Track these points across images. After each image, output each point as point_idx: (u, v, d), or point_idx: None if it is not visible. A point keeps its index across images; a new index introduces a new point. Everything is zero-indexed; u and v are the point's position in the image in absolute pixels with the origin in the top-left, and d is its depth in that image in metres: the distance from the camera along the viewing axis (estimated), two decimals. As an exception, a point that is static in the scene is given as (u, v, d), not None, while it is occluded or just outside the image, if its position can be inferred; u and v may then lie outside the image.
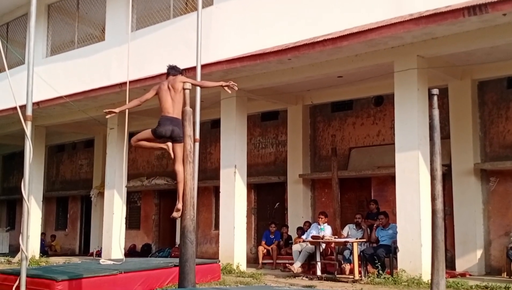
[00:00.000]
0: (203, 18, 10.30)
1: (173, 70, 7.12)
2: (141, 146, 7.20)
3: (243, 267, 11.88)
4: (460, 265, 11.12)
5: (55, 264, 12.47)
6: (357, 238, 10.92)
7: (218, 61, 11.33)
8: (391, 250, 10.25)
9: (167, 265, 9.46)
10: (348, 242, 10.81)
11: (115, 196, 14.68)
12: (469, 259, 11.09)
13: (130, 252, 17.36)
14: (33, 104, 7.26)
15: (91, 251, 18.17)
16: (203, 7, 10.36)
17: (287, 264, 11.75)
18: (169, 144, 6.86)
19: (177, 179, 6.83)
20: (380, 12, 9.64)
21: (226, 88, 6.99)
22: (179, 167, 6.80)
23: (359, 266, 10.22)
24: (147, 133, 6.96)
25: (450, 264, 11.04)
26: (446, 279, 6.57)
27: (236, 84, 7.04)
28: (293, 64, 11.02)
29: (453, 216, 11.41)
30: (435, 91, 6.13)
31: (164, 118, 6.78)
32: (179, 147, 6.78)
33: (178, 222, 15.12)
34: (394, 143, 10.10)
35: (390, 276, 9.65)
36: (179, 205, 6.79)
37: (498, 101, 11.58)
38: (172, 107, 6.77)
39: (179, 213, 6.77)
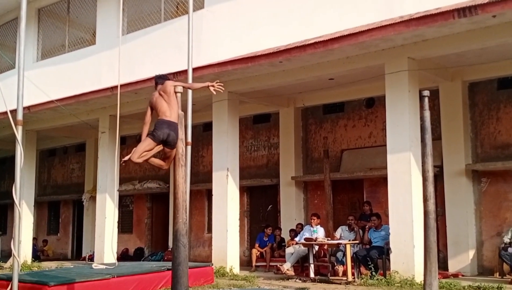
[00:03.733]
0: (194, 21, 10.30)
1: (160, 79, 7.04)
2: (146, 159, 6.74)
3: (236, 270, 11.87)
4: (453, 266, 11.16)
5: (47, 269, 12.40)
6: (350, 240, 10.93)
7: (210, 64, 11.33)
8: (384, 251, 10.26)
9: (160, 269, 9.43)
10: (341, 244, 10.82)
11: (107, 200, 14.62)
12: (461, 259, 11.13)
13: (123, 256, 17.29)
14: (24, 108, 7.23)
15: (83, 255, 18.10)
16: (194, 10, 10.36)
17: (278, 265, 11.75)
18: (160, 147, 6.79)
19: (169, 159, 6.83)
20: (371, 14, 9.67)
21: (211, 88, 6.98)
22: (161, 162, 6.91)
23: (352, 267, 10.22)
24: (148, 143, 6.62)
25: (443, 264, 11.08)
26: (439, 280, 6.60)
27: (222, 85, 7.03)
28: (284, 67, 11.04)
29: (445, 217, 11.46)
30: (426, 93, 6.17)
31: (161, 121, 6.64)
32: (172, 152, 6.70)
33: (170, 225, 15.06)
34: (385, 145, 10.12)
35: (383, 277, 9.66)
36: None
37: (488, 102, 11.64)
38: (169, 110, 6.68)
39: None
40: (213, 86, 6.94)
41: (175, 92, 6.80)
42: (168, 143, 6.61)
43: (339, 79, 11.82)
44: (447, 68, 11.12)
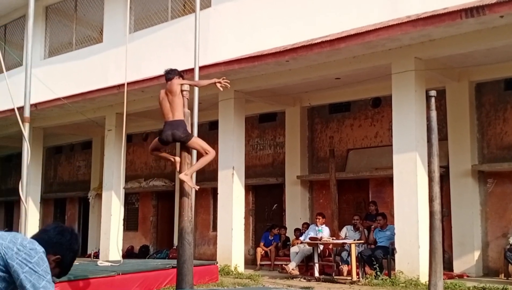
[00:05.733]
0: (201, 20, 10.31)
1: (169, 75, 7.14)
2: (156, 155, 7.61)
3: (241, 268, 11.88)
4: (458, 267, 11.13)
5: (52, 266, 12.43)
6: (355, 240, 10.93)
7: (216, 62, 11.34)
8: (389, 251, 10.26)
9: (165, 266, 9.46)
10: (346, 243, 10.82)
11: (113, 198, 14.67)
12: (466, 260, 11.11)
13: (128, 253, 17.33)
14: (31, 105, 7.28)
15: (88, 252, 18.16)
16: (200, 9, 10.38)
17: (283, 265, 11.76)
18: (177, 158, 6.99)
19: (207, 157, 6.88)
20: (377, 14, 9.66)
21: (218, 84, 7.08)
22: (207, 157, 6.86)
23: (357, 267, 10.23)
24: (154, 141, 7.11)
25: (448, 265, 11.05)
26: (444, 281, 6.59)
27: (228, 82, 7.13)
28: (290, 66, 11.03)
29: (450, 217, 11.43)
30: (433, 93, 6.16)
31: (165, 124, 6.92)
32: (192, 144, 6.86)
33: (176, 223, 15.09)
34: (391, 145, 10.12)
35: (388, 277, 9.67)
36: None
37: (495, 103, 11.61)
38: (170, 112, 6.82)
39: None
40: (219, 82, 7.04)
41: (182, 90, 6.87)
42: (178, 141, 6.91)
43: (345, 79, 11.81)
44: (454, 68, 11.09)
